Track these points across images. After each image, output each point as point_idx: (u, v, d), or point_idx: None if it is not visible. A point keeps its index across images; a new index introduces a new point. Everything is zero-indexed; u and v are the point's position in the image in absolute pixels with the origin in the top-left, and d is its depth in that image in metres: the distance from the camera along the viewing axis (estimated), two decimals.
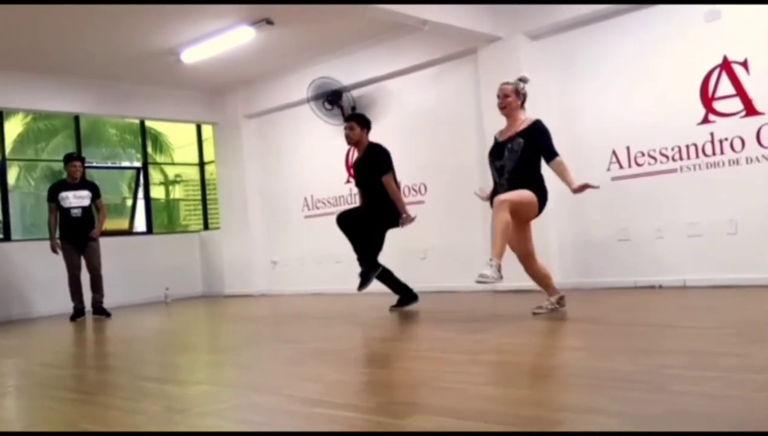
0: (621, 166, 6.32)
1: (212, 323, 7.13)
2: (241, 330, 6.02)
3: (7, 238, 8.61)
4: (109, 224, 10.68)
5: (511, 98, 4.85)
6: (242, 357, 4.43)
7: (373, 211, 5.75)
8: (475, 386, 2.83)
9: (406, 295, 5.85)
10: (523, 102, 4.91)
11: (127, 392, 3.40)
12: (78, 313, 7.48)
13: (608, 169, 6.39)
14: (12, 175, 9.54)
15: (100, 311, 7.51)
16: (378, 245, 5.75)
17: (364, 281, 5.64)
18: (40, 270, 7.76)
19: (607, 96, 6.41)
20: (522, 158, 4.71)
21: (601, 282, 6.37)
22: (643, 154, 6.19)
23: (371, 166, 5.76)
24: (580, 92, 6.60)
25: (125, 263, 9.09)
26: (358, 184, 6.06)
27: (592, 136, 6.49)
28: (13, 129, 11.56)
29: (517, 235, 4.72)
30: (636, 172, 6.23)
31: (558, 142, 6.73)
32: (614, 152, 6.35)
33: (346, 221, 5.76)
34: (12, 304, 8.12)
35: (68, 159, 7.66)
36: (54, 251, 7.40)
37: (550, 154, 4.74)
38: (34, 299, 8.19)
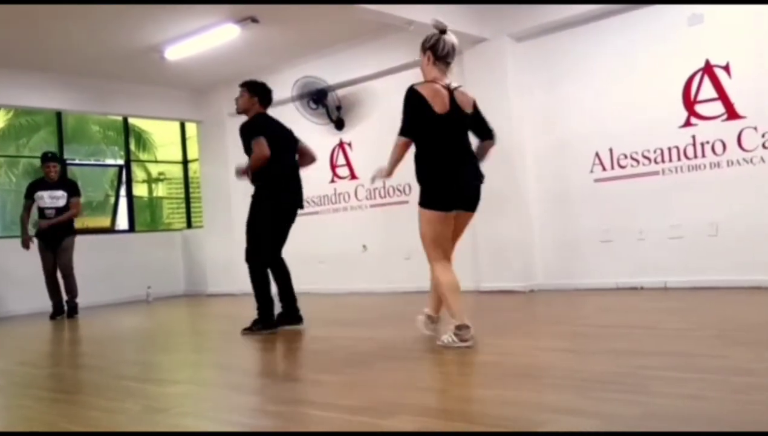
0: (604, 169, 6.36)
1: (194, 322, 7.09)
2: (223, 330, 5.99)
3: None
4: (91, 222, 10.59)
5: (422, 62, 4.01)
6: (223, 357, 4.41)
7: (261, 196, 4.99)
8: (457, 387, 2.84)
9: (289, 314, 5.03)
10: (434, 55, 3.94)
11: (106, 391, 3.37)
12: (57, 311, 7.42)
13: (591, 171, 6.43)
14: None
15: (71, 310, 7.44)
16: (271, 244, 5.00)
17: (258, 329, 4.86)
18: (19, 268, 7.67)
19: (591, 98, 6.44)
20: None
21: (583, 283, 6.40)
22: (625, 157, 6.23)
23: (243, 136, 5.07)
24: (564, 94, 6.63)
25: (107, 261, 9.02)
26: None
27: (576, 138, 6.53)
28: None
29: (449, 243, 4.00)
30: (618, 174, 6.27)
31: (542, 144, 6.83)
32: (597, 154, 6.39)
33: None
34: None
35: (44, 159, 7.55)
36: (25, 246, 7.31)
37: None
38: (12, 296, 8.08)
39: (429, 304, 4.27)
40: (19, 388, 3.73)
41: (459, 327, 3.68)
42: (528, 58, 6.82)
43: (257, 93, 5.16)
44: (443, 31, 3.91)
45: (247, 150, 5.00)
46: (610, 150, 6.31)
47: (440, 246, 3.87)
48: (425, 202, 3.82)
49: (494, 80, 6.86)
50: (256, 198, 5.00)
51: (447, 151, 3.85)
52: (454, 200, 3.84)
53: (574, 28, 6.50)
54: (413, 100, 3.84)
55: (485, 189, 6.89)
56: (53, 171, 7.46)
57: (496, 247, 6.82)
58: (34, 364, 4.69)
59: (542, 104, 6.77)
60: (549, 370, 3.15)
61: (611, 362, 3.14)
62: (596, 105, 6.40)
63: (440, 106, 3.83)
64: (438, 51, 3.89)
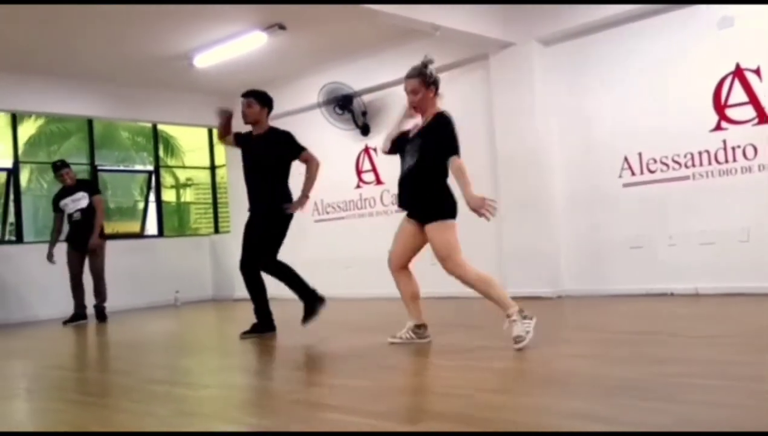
0: (633, 173, 6.29)
1: (221, 326, 7.15)
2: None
3: (20, 240, 8.67)
4: (121, 227, 10.76)
5: (422, 94, 4.11)
6: (250, 361, 4.44)
7: (266, 209, 5.08)
8: (482, 393, 2.83)
9: (312, 300, 5.15)
10: (436, 91, 4.17)
11: (136, 394, 3.41)
12: (76, 317, 7.45)
13: (620, 176, 6.36)
14: (24, 177, 9.60)
15: (100, 315, 7.51)
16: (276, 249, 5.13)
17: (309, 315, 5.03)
18: (52, 273, 7.78)
19: (619, 102, 6.38)
20: (420, 158, 4.08)
21: (612, 290, 6.33)
22: (655, 161, 6.16)
23: (275, 150, 5.10)
24: (592, 98, 6.58)
25: (136, 266, 9.14)
26: (250, 172, 5.24)
27: (604, 143, 6.47)
28: (26, 131, 11.65)
29: (412, 243, 4.21)
30: (648, 179, 6.20)
31: (569, 149, 6.78)
32: (626, 159, 6.32)
33: (247, 264, 5.16)
34: (24, 306, 8.17)
35: (55, 169, 7.64)
36: (49, 259, 7.39)
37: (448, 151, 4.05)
38: (45, 301, 8.23)
39: (412, 314, 4.32)
40: (50, 391, 3.80)
41: (521, 310, 3.88)
42: (555, 62, 6.78)
43: (267, 104, 5.21)
44: (428, 66, 4.16)
45: (270, 160, 5.09)
46: (640, 154, 6.24)
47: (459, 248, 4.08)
48: (449, 213, 4.08)
49: (521, 85, 6.83)
50: (273, 212, 5.11)
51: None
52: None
53: (602, 32, 6.44)
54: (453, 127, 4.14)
55: (511, 192, 6.91)
56: (68, 177, 7.54)
57: (522, 252, 6.78)
58: (64, 367, 4.77)
59: (570, 109, 6.72)
60: (576, 377, 3.12)
61: (639, 369, 3.10)
62: (625, 109, 6.34)
63: None
64: (439, 86, 4.19)
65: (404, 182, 4.20)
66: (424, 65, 4.10)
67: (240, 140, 5.36)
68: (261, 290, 5.13)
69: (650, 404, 2.47)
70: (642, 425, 2.22)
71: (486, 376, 3.22)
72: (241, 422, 2.73)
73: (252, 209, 5.23)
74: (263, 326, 5.13)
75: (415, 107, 4.14)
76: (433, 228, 4.03)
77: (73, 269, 7.47)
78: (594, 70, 6.55)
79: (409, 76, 4.12)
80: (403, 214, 4.29)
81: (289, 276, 5.17)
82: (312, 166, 5.18)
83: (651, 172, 6.18)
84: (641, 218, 6.23)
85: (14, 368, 4.98)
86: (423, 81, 4.08)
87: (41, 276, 8.12)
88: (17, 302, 8.12)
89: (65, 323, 7.39)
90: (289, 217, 5.14)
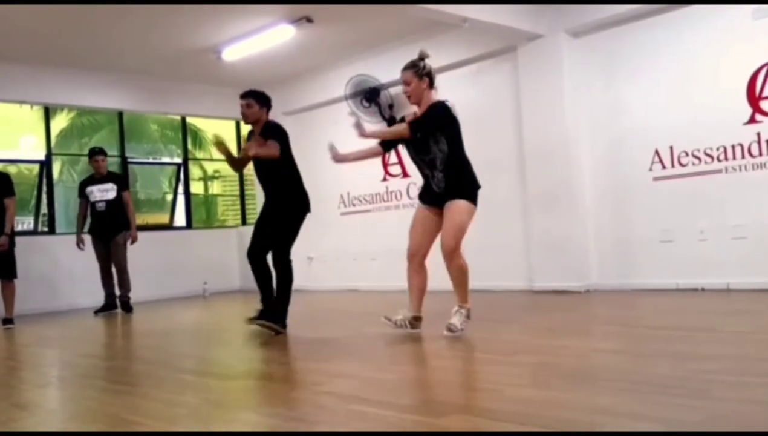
0: (664, 166, 6.20)
1: (249, 317, 7.20)
2: None
3: (52, 231, 8.83)
4: (150, 218, 10.89)
5: (414, 84, 4.32)
6: (278, 352, 4.47)
7: (283, 204, 5.02)
8: (511, 387, 2.82)
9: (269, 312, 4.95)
10: (430, 83, 4.36)
11: (166, 384, 3.46)
12: (107, 306, 7.56)
13: (650, 169, 6.28)
14: (55, 169, 9.75)
15: (124, 306, 7.59)
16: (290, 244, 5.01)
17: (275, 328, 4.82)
18: (83, 263, 7.91)
19: (650, 94, 6.29)
20: (448, 147, 4.29)
21: (641, 284, 6.26)
22: (686, 154, 6.06)
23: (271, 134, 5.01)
24: (623, 91, 6.49)
25: (165, 257, 9.25)
26: (259, 173, 5.21)
27: (635, 136, 6.38)
28: (58, 124, 11.83)
29: (431, 229, 4.38)
30: (679, 172, 6.11)
31: (599, 141, 6.70)
32: (657, 152, 6.23)
33: (257, 254, 5.03)
34: (56, 295, 8.31)
35: (91, 154, 7.71)
36: (78, 246, 7.52)
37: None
38: (77, 290, 8.37)
39: (414, 306, 4.45)
40: (83, 379, 3.87)
41: (469, 311, 4.27)
42: (585, 54, 6.69)
43: (266, 104, 5.20)
44: (424, 58, 4.39)
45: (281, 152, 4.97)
46: (671, 148, 6.15)
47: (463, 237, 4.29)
48: (474, 198, 4.37)
49: (550, 77, 6.76)
50: (292, 204, 5.05)
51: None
52: None
53: (632, 24, 6.35)
54: (450, 113, 4.33)
55: (538, 185, 6.85)
56: (101, 165, 7.58)
57: (549, 245, 6.73)
58: (96, 356, 4.86)
59: (599, 101, 6.64)
60: (605, 372, 3.10)
61: (670, 365, 3.07)
62: (656, 102, 6.25)
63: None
64: (433, 80, 4.39)
65: (436, 175, 4.37)
66: (420, 58, 4.34)
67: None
68: (268, 278, 5.06)
69: (679, 401, 2.44)
70: (671, 422, 2.20)
71: (514, 370, 3.20)
72: (269, 414, 2.75)
73: (269, 203, 5.16)
74: (270, 313, 4.98)
75: (409, 97, 4.39)
76: (457, 205, 4.26)
77: (100, 260, 7.57)
78: (624, 61, 6.46)
79: (403, 69, 4.37)
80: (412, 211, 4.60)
81: (272, 281, 5.06)
82: (271, 149, 4.91)
83: (682, 165, 6.09)
84: (672, 212, 6.14)
85: (47, 356, 5.08)
86: (415, 72, 4.30)
87: (73, 266, 8.26)
88: (50, 292, 8.27)
89: (96, 312, 7.51)
90: (304, 214, 5.11)
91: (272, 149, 4.88)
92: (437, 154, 4.30)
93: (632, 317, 4.94)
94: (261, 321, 4.89)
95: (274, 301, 4.98)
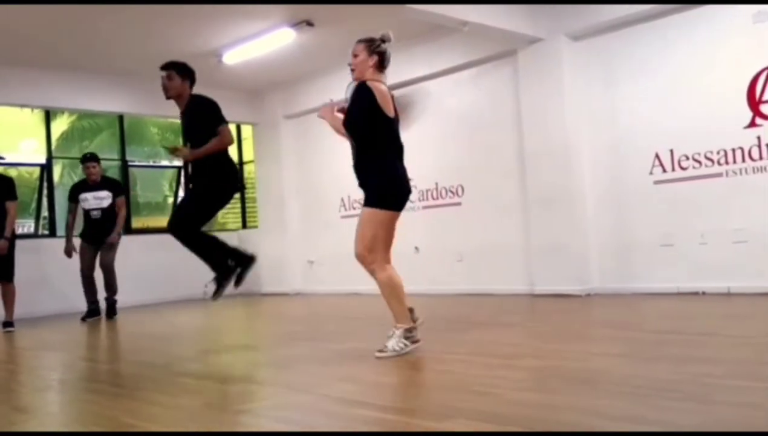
0: (664, 170, 6.20)
1: (249, 321, 7.20)
2: (278, 329, 6.08)
3: (53, 234, 8.83)
4: (150, 222, 10.89)
5: (361, 57, 3.94)
6: (279, 356, 4.47)
7: (206, 178, 4.67)
8: (513, 391, 2.81)
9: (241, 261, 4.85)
10: (380, 63, 3.94)
11: (166, 387, 3.45)
12: (91, 313, 7.38)
13: (651, 173, 6.28)
14: (56, 172, 9.76)
15: (111, 309, 7.42)
16: (206, 219, 4.75)
17: (219, 288, 4.75)
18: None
19: (651, 98, 6.30)
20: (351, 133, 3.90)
21: (642, 288, 6.26)
22: (687, 158, 6.07)
23: (200, 118, 4.73)
24: (623, 94, 6.50)
25: (165, 260, 9.21)
26: (186, 142, 4.89)
27: (635, 139, 6.39)
28: (58, 127, 11.84)
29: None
30: (680, 176, 6.11)
31: (599, 145, 6.71)
32: (657, 156, 6.24)
33: (176, 226, 4.76)
34: (56, 298, 8.31)
35: (84, 160, 7.51)
36: (67, 254, 7.33)
37: None
38: (77, 294, 8.34)
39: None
40: (83, 382, 3.87)
41: (410, 330, 3.78)
42: (585, 57, 6.70)
43: (190, 76, 4.83)
44: (386, 41, 3.98)
45: (199, 130, 4.68)
46: (671, 151, 6.15)
47: (387, 247, 3.84)
48: (380, 202, 3.79)
49: (550, 80, 6.77)
50: (215, 178, 4.68)
51: (395, 153, 3.93)
52: (404, 200, 3.88)
53: (632, 27, 6.36)
54: (368, 96, 3.83)
55: (538, 189, 6.86)
56: (93, 172, 7.37)
57: (550, 249, 6.73)
58: (96, 359, 4.86)
59: (599, 105, 6.65)
60: (605, 375, 3.09)
61: (670, 369, 3.07)
62: (656, 105, 6.25)
63: (389, 110, 3.93)
64: (384, 61, 3.98)
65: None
66: (381, 38, 3.95)
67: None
68: (204, 244, 4.81)
69: (679, 404, 2.44)
70: (671, 425, 2.20)
71: (515, 374, 3.20)
72: (270, 417, 2.75)
73: (192, 180, 4.91)
74: (225, 270, 4.81)
75: (352, 71, 4.01)
76: (365, 212, 3.84)
77: (84, 264, 7.36)
78: (624, 65, 6.47)
79: (357, 41, 4.00)
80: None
81: (204, 246, 4.87)
82: (217, 140, 4.63)
83: (683, 169, 6.09)
84: (672, 216, 6.14)
85: (47, 359, 5.07)
86: (368, 47, 3.93)
87: (73, 269, 8.24)
88: (50, 295, 8.27)
89: (84, 319, 7.32)
90: (227, 191, 4.75)
91: (227, 140, 4.59)
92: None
93: (633, 321, 4.93)
94: (217, 291, 4.74)
95: (210, 264, 4.76)
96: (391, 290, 3.78)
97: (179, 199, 4.89)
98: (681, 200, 6.08)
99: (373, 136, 3.87)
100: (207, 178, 4.66)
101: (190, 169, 4.87)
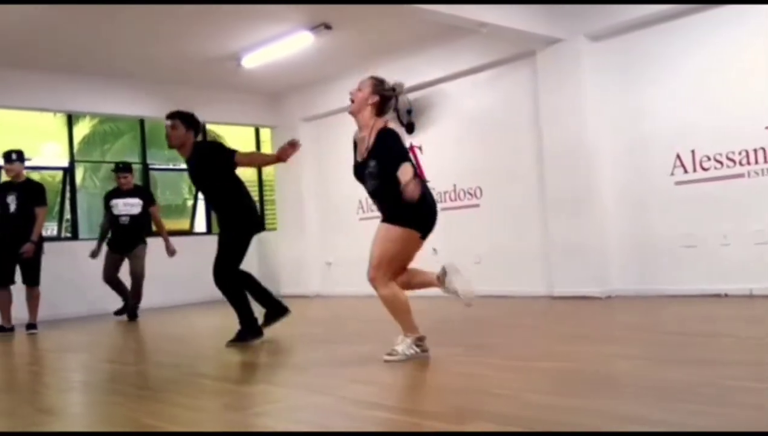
0: (686, 171, 6.14)
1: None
2: (296, 331, 6.10)
3: (75, 236, 8.94)
4: (171, 225, 10.96)
5: (364, 94, 3.85)
6: (297, 358, 4.49)
7: (225, 223, 4.95)
8: (531, 394, 2.80)
9: (275, 310, 5.11)
10: (380, 104, 3.84)
11: (186, 389, 3.49)
12: (128, 310, 7.60)
13: (671, 174, 6.22)
14: (78, 176, 9.88)
15: (134, 314, 7.57)
16: (239, 260, 4.97)
17: (237, 341, 4.87)
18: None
19: (672, 98, 6.24)
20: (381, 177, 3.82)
21: (663, 290, 6.20)
22: (708, 159, 6.00)
23: (209, 165, 4.85)
24: (643, 94, 6.44)
25: (185, 263, 9.28)
26: (201, 191, 5.22)
27: (655, 140, 6.33)
28: (80, 131, 11.99)
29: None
30: (701, 176, 6.05)
31: (619, 146, 6.66)
32: (678, 156, 6.18)
33: (217, 277, 4.97)
34: (78, 301, 8.40)
35: (116, 169, 7.78)
36: (92, 256, 7.51)
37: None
38: (99, 296, 8.44)
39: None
40: (106, 384, 3.91)
41: (420, 339, 3.75)
42: (605, 58, 6.66)
43: (194, 126, 4.91)
44: (395, 90, 3.90)
45: (208, 177, 4.89)
46: (692, 152, 6.09)
47: (399, 265, 3.84)
48: (408, 221, 3.75)
49: (569, 81, 6.74)
50: (233, 223, 4.97)
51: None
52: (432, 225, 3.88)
53: (653, 27, 6.31)
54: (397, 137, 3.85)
55: (558, 190, 6.82)
56: (125, 182, 7.62)
57: (569, 250, 6.69)
58: (118, 361, 4.91)
59: (619, 105, 6.60)
60: (625, 378, 3.08)
61: (689, 372, 3.04)
62: (677, 105, 6.19)
63: None
64: (385, 107, 3.89)
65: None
66: (393, 86, 3.90)
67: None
68: (242, 302, 5.01)
69: (698, 407, 2.43)
70: (689, 428, 2.18)
71: (533, 376, 3.19)
72: (288, 419, 2.76)
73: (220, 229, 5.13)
74: (251, 332, 4.99)
75: (351, 101, 3.96)
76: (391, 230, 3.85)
77: (108, 270, 7.54)
78: (645, 65, 6.42)
79: (369, 77, 3.98)
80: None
81: (251, 288, 5.13)
82: (246, 160, 5.04)
83: (704, 169, 6.03)
84: (694, 217, 6.08)
85: (70, 361, 5.14)
86: (374, 85, 3.88)
87: (95, 271, 8.34)
88: (73, 297, 8.36)
89: (117, 313, 7.60)
90: (249, 233, 5.05)
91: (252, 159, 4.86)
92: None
93: (653, 323, 4.89)
94: (234, 343, 4.88)
95: (240, 319, 4.97)
96: (398, 306, 3.75)
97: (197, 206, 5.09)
98: (702, 201, 6.02)
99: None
100: (228, 228, 4.95)
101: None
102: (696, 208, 6.07)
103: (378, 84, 3.86)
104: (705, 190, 6.01)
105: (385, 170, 3.73)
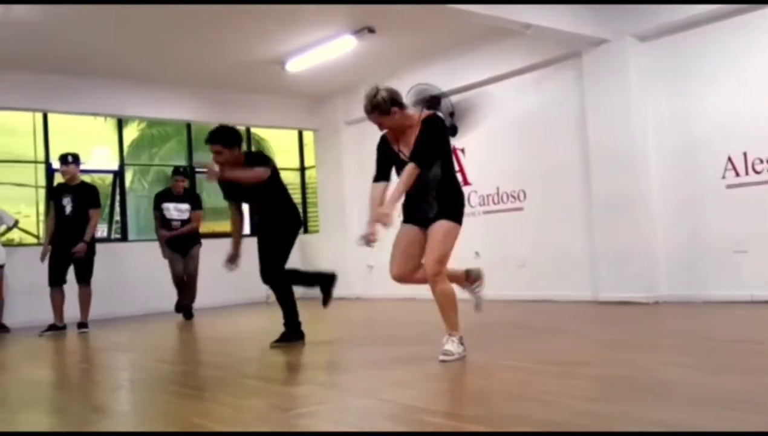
0: (737, 174, 5.99)
1: (311, 325, 7.27)
2: (339, 333, 6.14)
3: (125, 238, 9.16)
4: (216, 227, 11.15)
5: (397, 114, 4.26)
6: (340, 360, 4.52)
7: (272, 224, 5.12)
8: (574, 400, 2.77)
9: (324, 281, 5.29)
10: (401, 107, 4.27)
11: (233, 389, 3.54)
12: (183, 307, 7.82)
13: (723, 177, 6.07)
14: (127, 178, 10.13)
15: (189, 312, 7.84)
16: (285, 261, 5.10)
17: (282, 341, 4.99)
18: (155, 269, 8.17)
19: (722, 100, 6.09)
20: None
21: (713, 295, 6.05)
22: (761, 161, 5.84)
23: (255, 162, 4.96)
24: (693, 96, 6.30)
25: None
26: (248, 203, 5.37)
27: (706, 142, 6.19)
28: (129, 135, 12.29)
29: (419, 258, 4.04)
30: (753, 179, 5.89)
31: (668, 148, 6.53)
32: (730, 159, 6.02)
33: (267, 276, 5.15)
34: (129, 301, 8.61)
35: (175, 173, 8.05)
36: (165, 256, 7.80)
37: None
38: (149, 296, 8.64)
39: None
40: (158, 383, 4.00)
41: (462, 337, 3.87)
42: (652, 58, 6.54)
43: (236, 141, 4.86)
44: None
45: (262, 186, 4.96)
46: (744, 154, 5.93)
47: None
48: (460, 218, 3.97)
49: (615, 83, 6.63)
50: (281, 223, 5.16)
51: None
52: None
53: (702, 27, 6.17)
54: (442, 125, 4.32)
55: (604, 193, 6.71)
56: (180, 186, 7.88)
57: (616, 254, 6.58)
58: (166, 360, 5.01)
59: (668, 107, 6.47)
60: (672, 386, 3.01)
61: (737, 380, 2.97)
62: (728, 107, 6.04)
63: None
64: (402, 104, 4.28)
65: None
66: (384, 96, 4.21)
67: (227, 189, 5.21)
68: (290, 294, 5.16)
69: (744, 415, 2.37)
70: None
71: (577, 382, 3.15)
72: (332, 420, 2.78)
73: (260, 225, 5.28)
74: (293, 335, 5.10)
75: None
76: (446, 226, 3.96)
77: (176, 270, 7.81)
78: (693, 66, 6.28)
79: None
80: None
81: (296, 278, 5.34)
82: (258, 173, 4.87)
83: (757, 172, 5.87)
84: (746, 221, 5.92)
85: (119, 360, 5.27)
86: (387, 103, 4.25)
87: (145, 272, 8.54)
88: (122, 297, 8.57)
89: (187, 316, 7.81)
90: (295, 232, 5.27)
91: (259, 174, 4.81)
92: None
93: (702, 330, 4.78)
94: (278, 344, 4.98)
95: (285, 320, 5.11)
96: (453, 302, 3.87)
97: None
98: (755, 205, 5.86)
99: (451, 159, 4.26)
100: (278, 228, 5.15)
101: (257, 216, 5.37)
102: (748, 213, 5.90)
103: (387, 101, 4.18)
104: (758, 193, 5.85)
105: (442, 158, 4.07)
